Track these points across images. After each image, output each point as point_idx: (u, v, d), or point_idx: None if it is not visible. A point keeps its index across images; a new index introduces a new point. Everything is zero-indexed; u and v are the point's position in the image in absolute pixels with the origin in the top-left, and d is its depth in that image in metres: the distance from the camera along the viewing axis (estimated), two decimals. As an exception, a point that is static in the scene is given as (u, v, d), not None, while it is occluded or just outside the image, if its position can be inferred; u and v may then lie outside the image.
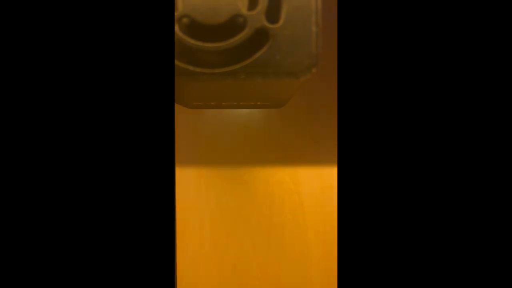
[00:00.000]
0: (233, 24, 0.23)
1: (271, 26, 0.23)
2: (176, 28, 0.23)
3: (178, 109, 0.41)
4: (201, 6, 0.23)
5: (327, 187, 0.46)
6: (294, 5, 0.23)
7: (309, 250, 0.46)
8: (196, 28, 0.23)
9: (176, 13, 0.23)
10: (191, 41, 0.23)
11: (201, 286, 0.45)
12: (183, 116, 0.44)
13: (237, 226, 0.45)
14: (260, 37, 0.23)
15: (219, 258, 0.46)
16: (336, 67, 0.42)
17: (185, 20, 0.23)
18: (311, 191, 0.46)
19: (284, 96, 0.29)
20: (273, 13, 0.23)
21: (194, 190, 0.45)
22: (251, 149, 0.45)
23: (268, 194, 0.46)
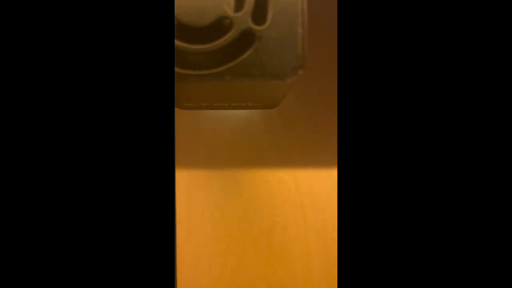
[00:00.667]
0: (219, 26, 0.23)
1: (257, 27, 0.23)
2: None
3: (176, 110, 0.42)
4: (188, 7, 0.23)
5: (327, 187, 0.46)
6: (280, 6, 0.23)
7: (309, 250, 0.46)
8: (183, 30, 0.23)
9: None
10: (178, 43, 0.23)
11: (201, 286, 0.46)
12: (181, 117, 0.44)
13: (237, 227, 0.46)
14: (246, 38, 0.23)
15: (219, 258, 0.46)
16: (335, 67, 0.42)
17: (171, 21, 0.23)
18: (311, 191, 0.46)
19: (274, 97, 0.29)
20: (259, 15, 0.23)
21: (194, 191, 0.45)
22: (250, 150, 0.45)
23: (268, 195, 0.46)
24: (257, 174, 0.45)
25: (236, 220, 0.45)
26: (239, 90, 0.26)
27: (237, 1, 0.23)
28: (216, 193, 0.45)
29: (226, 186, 0.45)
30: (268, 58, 0.23)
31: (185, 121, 0.44)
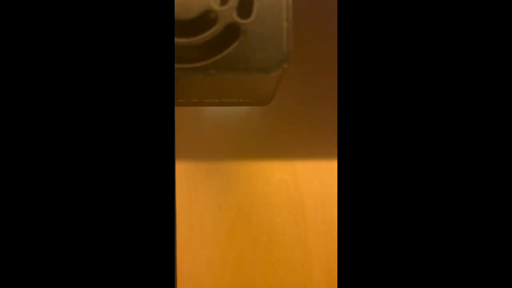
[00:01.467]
0: (204, 19, 0.23)
1: (242, 21, 0.23)
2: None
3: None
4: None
5: (327, 184, 0.45)
6: (266, 1, 0.23)
7: (309, 249, 0.46)
8: (168, 23, 0.23)
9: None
10: (163, 36, 0.23)
11: (201, 286, 0.46)
12: (180, 113, 0.44)
13: (237, 225, 0.45)
14: (231, 32, 0.23)
15: (219, 258, 0.46)
16: (334, 61, 0.42)
17: (157, 15, 0.23)
18: (311, 189, 0.45)
19: (262, 93, 0.29)
20: (244, 9, 0.23)
21: (193, 189, 0.45)
22: (250, 146, 0.45)
23: (267, 193, 0.46)
24: (257, 171, 0.45)
25: (235, 219, 0.45)
26: (226, 84, 0.26)
27: (222, -6, 0.23)
28: (215, 192, 0.45)
29: (226, 184, 0.45)
30: (253, 52, 0.23)
31: (183, 117, 0.44)
